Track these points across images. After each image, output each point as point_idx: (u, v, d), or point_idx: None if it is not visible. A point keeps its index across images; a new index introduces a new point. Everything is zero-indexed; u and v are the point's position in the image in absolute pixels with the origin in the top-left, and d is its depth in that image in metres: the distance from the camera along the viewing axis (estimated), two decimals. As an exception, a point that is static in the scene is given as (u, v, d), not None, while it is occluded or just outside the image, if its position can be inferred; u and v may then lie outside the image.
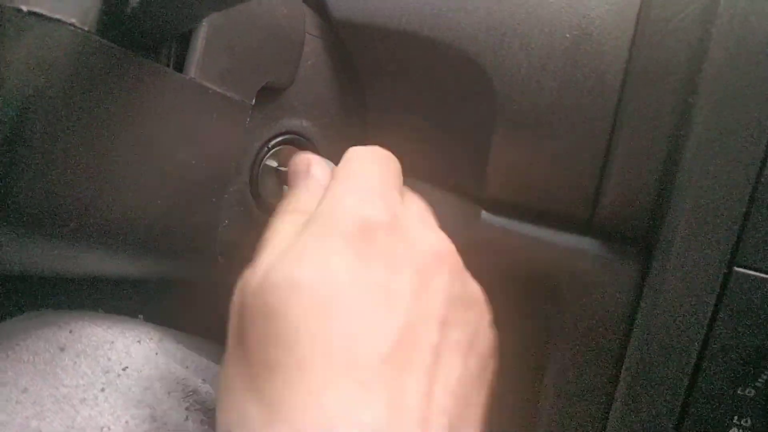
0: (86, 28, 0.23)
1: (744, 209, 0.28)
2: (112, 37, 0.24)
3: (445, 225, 0.36)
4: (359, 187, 0.28)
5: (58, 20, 0.22)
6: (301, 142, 0.39)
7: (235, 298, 0.26)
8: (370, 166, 0.30)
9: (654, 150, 0.31)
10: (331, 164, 0.35)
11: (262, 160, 0.36)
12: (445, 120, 0.38)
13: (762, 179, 0.28)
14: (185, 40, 0.29)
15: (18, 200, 0.23)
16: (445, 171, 0.40)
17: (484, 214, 0.38)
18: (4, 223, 0.24)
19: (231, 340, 0.25)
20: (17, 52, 0.22)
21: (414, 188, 0.41)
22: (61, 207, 0.25)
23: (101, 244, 0.28)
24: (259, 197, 0.37)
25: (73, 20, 0.23)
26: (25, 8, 0.22)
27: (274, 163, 0.37)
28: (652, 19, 0.29)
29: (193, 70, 0.28)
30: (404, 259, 0.26)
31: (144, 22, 0.24)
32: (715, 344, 0.30)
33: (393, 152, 0.34)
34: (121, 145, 0.26)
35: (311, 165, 0.34)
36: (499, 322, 0.31)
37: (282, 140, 0.37)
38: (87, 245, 0.27)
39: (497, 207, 0.38)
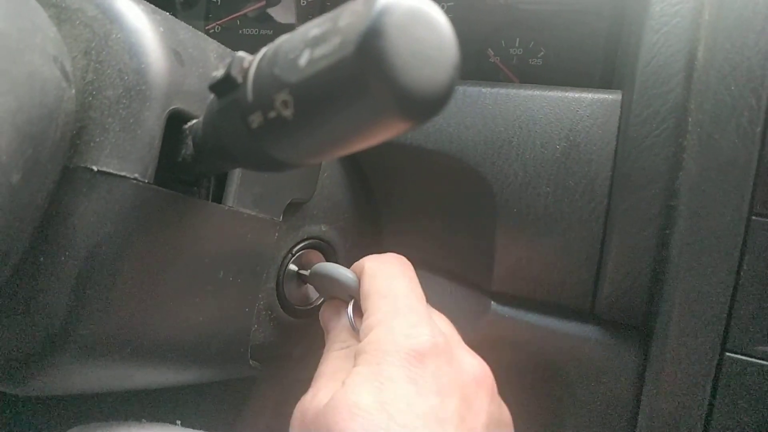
0: (146, 180, 0.27)
1: (728, 300, 0.31)
2: (164, 183, 0.28)
3: (457, 316, 0.39)
4: (399, 311, 0.30)
5: (124, 176, 0.26)
6: (320, 245, 0.42)
7: (295, 421, 0.29)
8: (399, 283, 0.33)
9: (644, 247, 0.34)
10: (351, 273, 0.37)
11: (286, 265, 0.39)
12: (452, 221, 0.42)
13: (742, 272, 0.31)
14: (222, 174, 0.33)
15: (83, 333, 0.26)
16: (456, 266, 0.44)
17: (493, 305, 0.41)
18: (72, 353, 0.26)
19: None
20: (88, 206, 0.26)
21: (427, 282, 0.45)
22: (119, 335, 0.28)
23: (151, 362, 0.30)
24: (285, 299, 0.40)
25: (136, 175, 0.26)
26: (95, 168, 0.26)
27: (295, 268, 0.40)
28: (630, 136, 0.33)
29: (230, 200, 0.32)
30: (451, 385, 0.28)
31: (191, 168, 0.28)
32: (716, 427, 0.32)
33: (406, 249, 0.37)
34: (170, 273, 0.29)
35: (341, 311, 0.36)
36: (513, 405, 0.34)
37: (304, 245, 0.41)
38: (139, 364, 0.30)
39: (505, 298, 0.41)
